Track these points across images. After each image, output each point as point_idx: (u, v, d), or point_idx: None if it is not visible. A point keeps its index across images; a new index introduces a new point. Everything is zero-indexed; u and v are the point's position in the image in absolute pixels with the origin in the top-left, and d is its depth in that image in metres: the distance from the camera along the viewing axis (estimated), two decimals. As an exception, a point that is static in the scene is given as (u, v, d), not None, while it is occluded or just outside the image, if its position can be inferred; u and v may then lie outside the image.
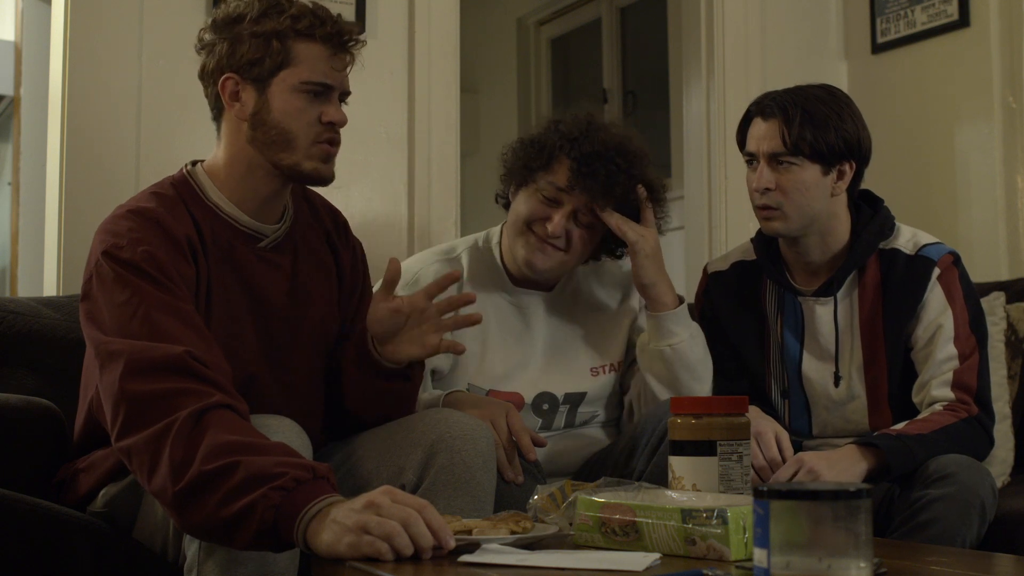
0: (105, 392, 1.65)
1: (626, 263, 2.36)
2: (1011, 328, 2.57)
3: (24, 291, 4.08)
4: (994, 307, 2.53)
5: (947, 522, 1.97)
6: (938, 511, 1.98)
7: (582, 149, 2.18)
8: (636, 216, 2.25)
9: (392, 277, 1.88)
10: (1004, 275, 3.02)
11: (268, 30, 1.82)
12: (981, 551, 1.96)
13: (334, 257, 2.03)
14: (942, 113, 3.28)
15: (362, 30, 2.88)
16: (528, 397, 2.27)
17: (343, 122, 1.88)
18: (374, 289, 1.96)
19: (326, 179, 1.90)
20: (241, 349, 1.84)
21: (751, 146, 2.26)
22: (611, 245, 2.33)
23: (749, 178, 2.28)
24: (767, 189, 2.22)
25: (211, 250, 1.83)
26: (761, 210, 2.25)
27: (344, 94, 1.91)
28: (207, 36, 1.88)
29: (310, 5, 1.88)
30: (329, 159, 1.89)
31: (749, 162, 2.28)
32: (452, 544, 1.45)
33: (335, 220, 2.07)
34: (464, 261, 2.32)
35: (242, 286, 1.87)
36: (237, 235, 1.88)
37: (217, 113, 1.90)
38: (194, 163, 1.93)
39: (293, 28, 1.83)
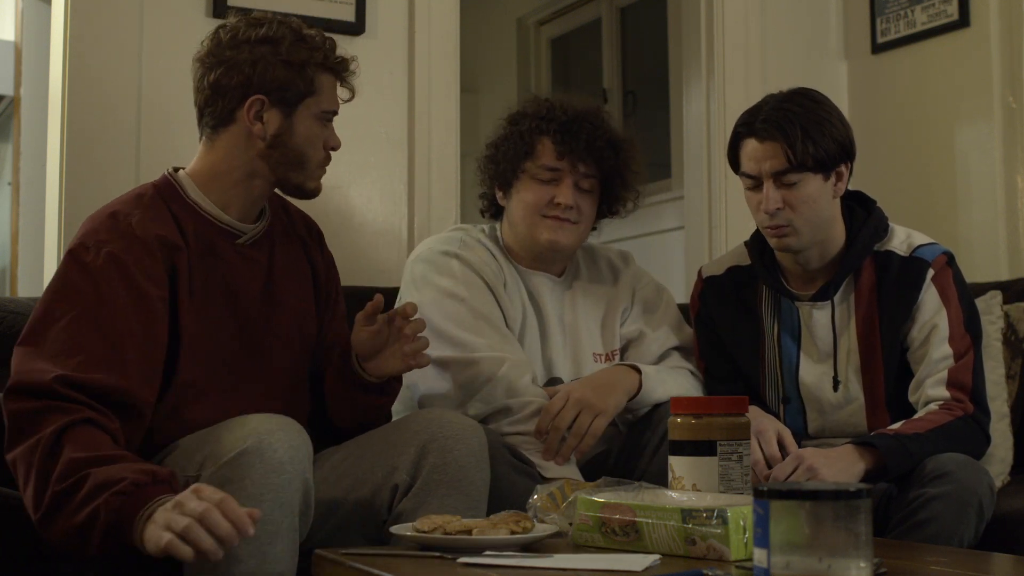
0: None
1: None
2: (1011, 328, 2.57)
3: (24, 291, 4.08)
4: (991, 306, 2.53)
5: (945, 521, 1.97)
6: (936, 510, 1.98)
7: (558, 121, 2.28)
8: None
9: (374, 309, 1.94)
10: (1004, 275, 3.02)
11: (300, 60, 1.93)
12: (980, 551, 1.97)
13: (308, 261, 2.11)
14: (942, 113, 3.27)
15: (361, 30, 2.89)
16: (540, 380, 2.29)
17: (340, 147, 2.03)
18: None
19: (317, 194, 2.05)
20: (218, 336, 1.91)
21: (749, 168, 2.23)
22: (604, 207, 2.39)
23: (752, 199, 2.25)
24: (777, 209, 2.19)
25: (192, 244, 1.90)
26: (772, 230, 2.23)
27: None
28: (225, 52, 1.93)
29: (323, 38, 1.99)
30: (323, 176, 2.04)
31: (751, 185, 2.24)
32: (250, 531, 1.52)
33: (309, 229, 2.16)
34: (485, 242, 2.37)
35: (221, 279, 1.93)
36: (217, 231, 1.95)
37: (221, 124, 1.94)
38: (176, 169, 2.01)
39: (320, 61, 1.96)
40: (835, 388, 2.28)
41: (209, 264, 1.92)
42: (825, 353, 2.29)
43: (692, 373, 2.35)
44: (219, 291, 1.93)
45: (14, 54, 4.27)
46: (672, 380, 2.27)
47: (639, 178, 2.40)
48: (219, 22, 2.67)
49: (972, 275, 2.42)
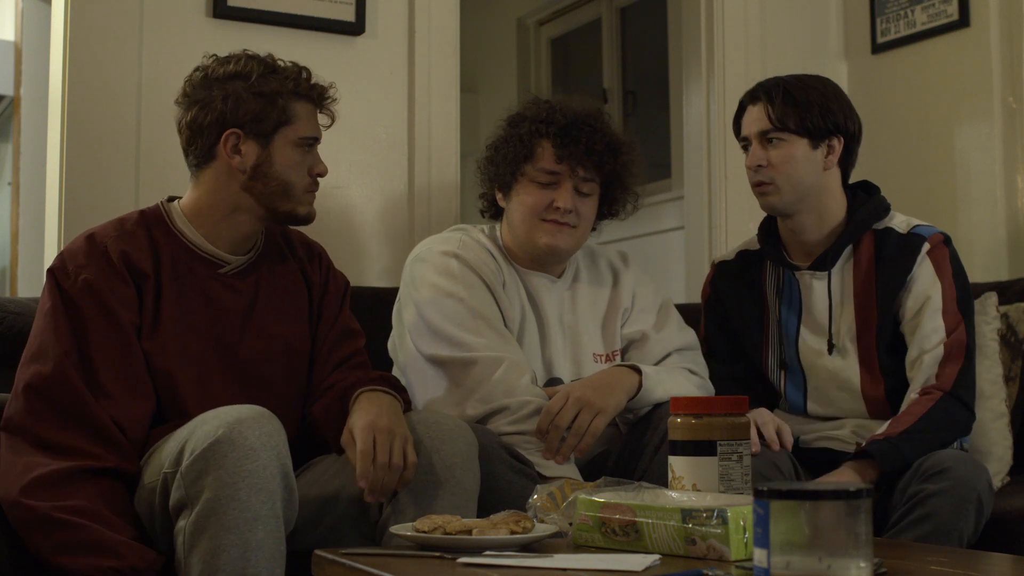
0: (13, 405, 1.85)
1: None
2: (1011, 329, 2.57)
3: (24, 291, 4.08)
4: (987, 307, 2.55)
5: (944, 517, 2.01)
6: (935, 506, 2.02)
7: (557, 124, 2.29)
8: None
9: None
10: (1004, 275, 3.02)
11: (271, 90, 1.98)
12: (980, 551, 1.97)
13: (305, 281, 2.14)
14: (942, 113, 3.27)
15: (361, 30, 2.89)
16: (540, 380, 2.29)
17: (326, 173, 2.07)
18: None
19: (312, 219, 2.08)
20: (190, 352, 1.96)
21: (744, 131, 2.39)
22: (604, 208, 2.40)
23: (745, 161, 2.39)
24: (759, 166, 2.33)
25: (165, 271, 1.96)
26: (756, 187, 2.36)
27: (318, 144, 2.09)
28: (199, 92, 2.00)
29: (296, 67, 2.04)
30: (313, 201, 2.08)
31: (744, 148, 2.39)
32: None
33: (310, 252, 2.19)
34: (484, 242, 2.37)
35: (198, 301, 1.99)
36: (197, 259, 2.01)
37: (204, 161, 2.01)
38: (170, 199, 2.07)
39: (294, 90, 2.00)
40: (830, 352, 2.36)
41: (184, 290, 1.98)
42: (822, 321, 2.37)
43: (693, 373, 2.35)
44: (194, 315, 1.97)
45: (14, 54, 4.28)
46: (672, 380, 2.27)
47: (638, 181, 2.41)
48: (219, 22, 2.71)
49: (972, 275, 2.44)
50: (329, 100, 2.08)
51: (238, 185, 2.00)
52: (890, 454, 2.13)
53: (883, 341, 2.32)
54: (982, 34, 3.16)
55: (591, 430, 2.13)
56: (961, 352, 2.25)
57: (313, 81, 2.04)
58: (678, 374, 2.31)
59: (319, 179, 2.07)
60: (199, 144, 2.00)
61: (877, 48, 3.44)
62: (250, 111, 1.97)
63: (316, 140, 2.05)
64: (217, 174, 2.01)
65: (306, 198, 2.04)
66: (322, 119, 2.08)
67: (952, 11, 3.22)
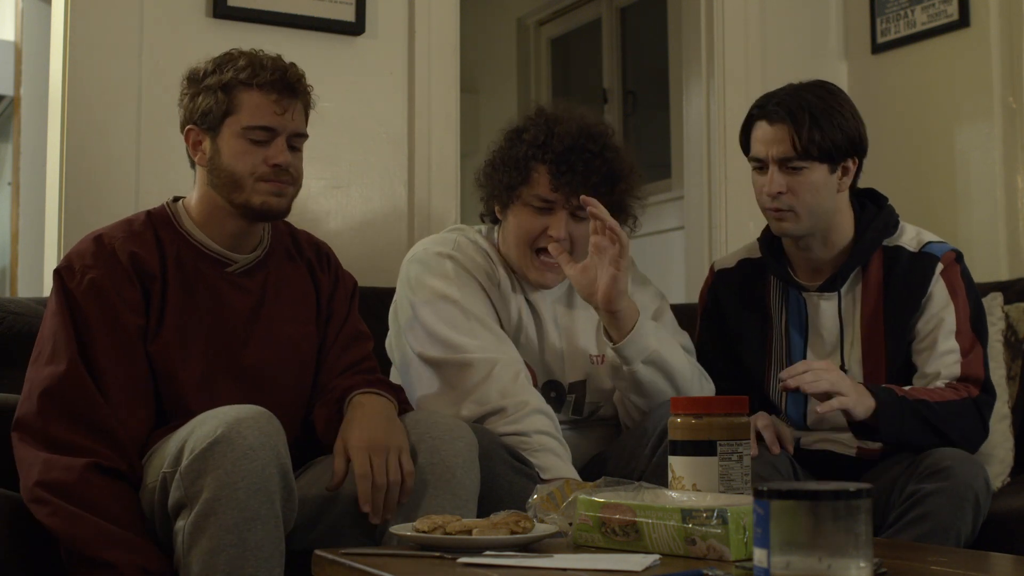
0: (22, 410, 1.85)
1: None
2: (1011, 329, 2.57)
3: (24, 291, 4.08)
4: (992, 307, 2.54)
5: (942, 516, 2.00)
6: (933, 505, 2.01)
7: (554, 150, 2.22)
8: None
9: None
10: (1004, 275, 3.02)
11: (217, 83, 1.97)
12: (980, 551, 1.97)
13: (313, 282, 2.13)
14: (942, 113, 3.27)
15: (361, 30, 2.88)
16: (538, 383, 2.29)
17: (287, 163, 1.99)
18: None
19: (277, 212, 2.02)
20: (195, 353, 1.95)
21: (758, 151, 2.27)
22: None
23: (757, 181, 2.29)
24: (779, 193, 2.23)
25: (172, 269, 1.97)
26: (773, 212, 2.27)
27: (296, 136, 2.01)
28: (180, 93, 2.04)
29: (259, 55, 2.00)
30: (281, 194, 2.00)
31: (757, 167, 2.29)
32: None
33: (318, 252, 2.18)
34: (481, 243, 2.34)
35: (205, 301, 1.98)
36: (204, 259, 2.01)
37: (191, 160, 2.05)
38: (176, 199, 2.08)
39: (237, 79, 1.97)
40: None
41: (191, 290, 1.97)
42: (831, 343, 2.32)
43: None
44: (200, 316, 1.97)
45: (14, 54, 4.28)
46: (668, 341, 2.25)
47: (638, 205, 2.37)
48: (219, 22, 2.71)
49: (972, 275, 2.43)
50: (293, 87, 2.00)
51: (207, 181, 2.01)
52: (893, 411, 2.09)
53: (893, 366, 2.27)
54: (982, 34, 3.16)
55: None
56: (978, 384, 2.21)
57: (274, 70, 1.98)
58: (675, 345, 2.28)
59: (285, 169, 1.98)
60: (186, 146, 2.04)
61: (877, 48, 3.44)
62: (200, 106, 1.99)
63: (268, 130, 1.97)
64: (198, 173, 2.04)
65: (260, 187, 1.97)
66: (290, 109, 1.98)
67: (952, 11, 3.22)
